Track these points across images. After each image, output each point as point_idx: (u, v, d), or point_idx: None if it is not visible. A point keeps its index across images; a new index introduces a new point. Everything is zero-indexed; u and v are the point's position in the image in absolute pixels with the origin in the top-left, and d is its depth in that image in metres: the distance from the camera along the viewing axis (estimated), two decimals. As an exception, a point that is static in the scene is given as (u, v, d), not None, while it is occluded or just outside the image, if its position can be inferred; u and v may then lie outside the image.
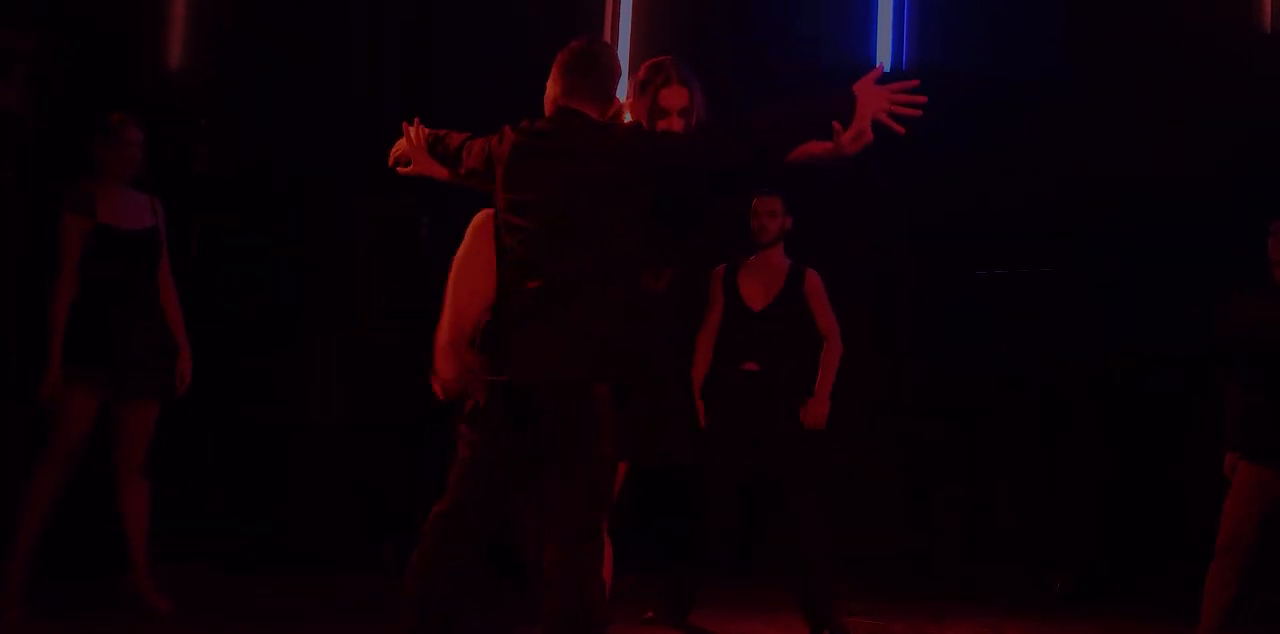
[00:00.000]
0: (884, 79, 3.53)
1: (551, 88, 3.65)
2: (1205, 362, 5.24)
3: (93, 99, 5.85)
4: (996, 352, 7.13)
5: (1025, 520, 6.96)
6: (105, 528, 5.55)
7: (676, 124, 3.75)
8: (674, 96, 3.76)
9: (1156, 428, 6.61)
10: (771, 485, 5.49)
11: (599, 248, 3.48)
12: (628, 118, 3.88)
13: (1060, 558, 6.78)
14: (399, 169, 4.00)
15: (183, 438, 6.29)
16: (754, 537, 7.27)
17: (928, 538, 7.22)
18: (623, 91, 3.91)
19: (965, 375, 7.18)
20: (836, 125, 3.49)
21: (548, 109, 3.65)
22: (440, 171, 3.92)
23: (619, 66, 3.70)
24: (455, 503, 3.59)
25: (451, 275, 3.92)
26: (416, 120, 3.95)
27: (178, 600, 5.35)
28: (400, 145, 3.98)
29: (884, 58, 7.60)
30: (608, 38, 7.94)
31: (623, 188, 3.47)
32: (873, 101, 3.50)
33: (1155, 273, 6.70)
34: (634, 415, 3.67)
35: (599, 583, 3.46)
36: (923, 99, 3.51)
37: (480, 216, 3.92)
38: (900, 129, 3.51)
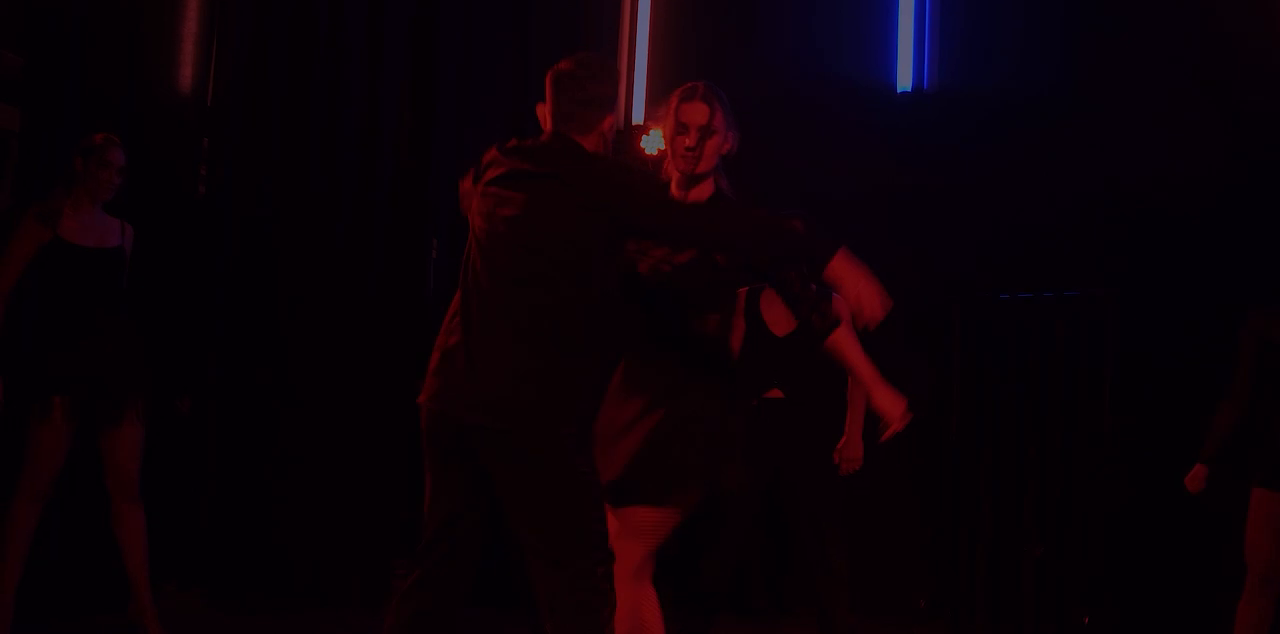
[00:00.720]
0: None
1: (543, 111, 3.52)
2: (1227, 379, 5.17)
3: (96, 119, 5.80)
4: (1016, 367, 7.03)
5: (1047, 543, 6.83)
6: (102, 561, 5.50)
7: (691, 139, 3.69)
8: (694, 112, 3.71)
9: (1180, 445, 6.48)
10: (793, 517, 5.38)
11: (566, 277, 3.31)
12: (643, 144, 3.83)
13: (1086, 585, 6.66)
14: None
15: (181, 458, 6.23)
16: (778, 572, 7.18)
17: (949, 560, 7.11)
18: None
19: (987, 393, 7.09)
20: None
21: (545, 128, 3.52)
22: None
23: (612, 87, 3.50)
24: (423, 574, 3.41)
25: None
26: None
27: (180, 629, 5.29)
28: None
29: (904, 76, 7.58)
30: (625, 57, 7.91)
31: (593, 210, 3.31)
32: (859, 306, 3.41)
33: (1180, 286, 6.59)
34: (681, 455, 3.56)
35: (596, 624, 3.28)
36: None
37: None
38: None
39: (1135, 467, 6.61)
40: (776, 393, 5.38)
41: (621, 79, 7.88)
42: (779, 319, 5.42)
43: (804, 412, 5.39)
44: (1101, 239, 6.84)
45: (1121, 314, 6.73)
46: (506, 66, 7.28)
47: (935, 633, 6.82)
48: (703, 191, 3.76)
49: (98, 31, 6.00)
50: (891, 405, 3.66)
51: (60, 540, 5.66)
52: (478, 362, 3.31)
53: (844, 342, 3.76)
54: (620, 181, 3.39)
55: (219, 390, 6.41)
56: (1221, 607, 5.14)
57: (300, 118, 6.74)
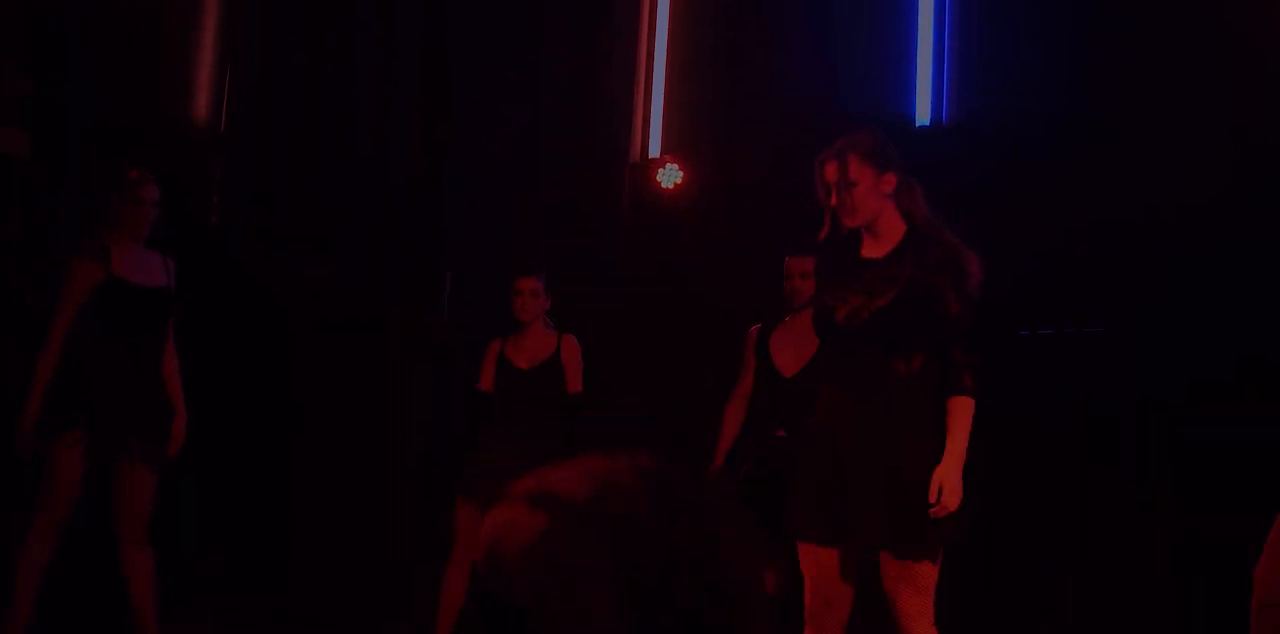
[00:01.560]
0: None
1: None
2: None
3: (107, 146, 5.77)
4: (1036, 405, 6.91)
5: (1080, 594, 6.70)
6: (112, 592, 5.41)
7: (834, 197, 3.87)
8: (827, 171, 3.88)
9: (1205, 486, 6.35)
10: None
11: None
12: None
13: (1102, 631, 6.53)
14: None
15: (185, 495, 6.15)
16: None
17: (964, 601, 6.98)
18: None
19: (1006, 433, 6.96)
20: None
21: None
22: None
23: None
24: None
25: None
26: None
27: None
28: None
29: (923, 109, 7.53)
30: (640, 88, 7.85)
31: None
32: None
33: (1208, 319, 6.48)
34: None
35: None
36: None
37: None
38: None
39: (1156, 510, 6.48)
40: (780, 432, 5.28)
41: (638, 110, 7.89)
42: (787, 359, 5.32)
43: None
44: (1126, 272, 6.74)
45: (1147, 349, 6.63)
46: (519, 87, 7.23)
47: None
48: (893, 235, 3.96)
49: (110, 58, 5.97)
50: (951, 487, 3.77)
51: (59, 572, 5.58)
52: None
53: (963, 408, 3.93)
54: None
55: (227, 420, 6.35)
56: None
57: (309, 144, 6.72)
